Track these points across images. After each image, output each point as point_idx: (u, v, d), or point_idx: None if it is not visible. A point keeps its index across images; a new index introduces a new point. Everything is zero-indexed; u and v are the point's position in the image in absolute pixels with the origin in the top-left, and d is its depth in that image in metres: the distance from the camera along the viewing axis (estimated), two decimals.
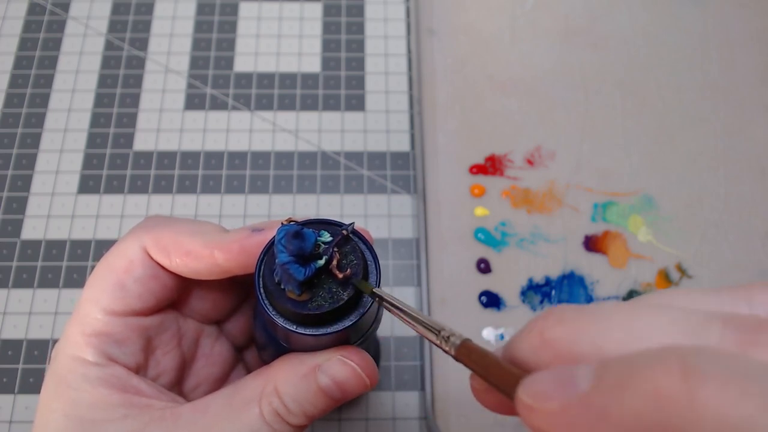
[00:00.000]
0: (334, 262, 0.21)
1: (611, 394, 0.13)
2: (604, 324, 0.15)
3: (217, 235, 0.24)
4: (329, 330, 0.21)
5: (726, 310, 0.16)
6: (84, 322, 0.24)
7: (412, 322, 0.20)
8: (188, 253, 0.24)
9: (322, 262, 0.21)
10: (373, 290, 0.21)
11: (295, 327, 0.21)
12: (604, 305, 0.16)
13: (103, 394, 0.23)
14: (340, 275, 0.21)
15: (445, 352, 0.18)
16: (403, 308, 0.20)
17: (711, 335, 0.14)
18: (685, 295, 0.16)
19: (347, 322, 0.22)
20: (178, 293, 0.26)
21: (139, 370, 0.25)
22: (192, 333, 0.27)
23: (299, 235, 0.21)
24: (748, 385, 0.11)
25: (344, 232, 0.22)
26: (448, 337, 0.18)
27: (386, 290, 0.40)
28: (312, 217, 0.23)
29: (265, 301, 0.22)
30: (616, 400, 0.13)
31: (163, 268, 0.25)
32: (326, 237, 0.22)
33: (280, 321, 0.21)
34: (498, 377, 0.16)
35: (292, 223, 0.21)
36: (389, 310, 0.20)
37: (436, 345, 0.19)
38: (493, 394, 0.18)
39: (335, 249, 0.22)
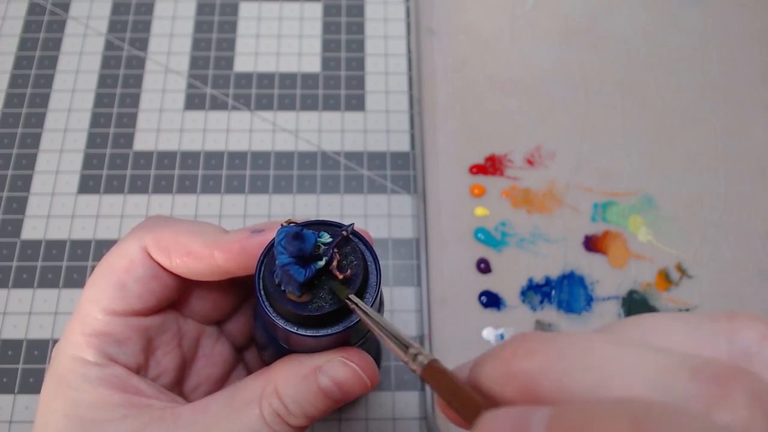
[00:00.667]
0: (334, 263, 0.21)
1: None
2: (572, 362, 0.14)
3: (218, 235, 0.24)
4: (329, 331, 0.21)
5: (704, 347, 0.15)
6: (84, 321, 0.24)
7: (382, 334, 0.19)
8: (188, 253, 0.24)
9: (322, 263, 0.21)
10: (348, 296, 0.21)
11: (295, 328, 0.21)
12: (576, 338, 0.15)
13: (103, 394, 0.23)
14: (341, 276, 0.21)
15: (412, 370, 0.18)
16: (375, 319, 0.20)
17: (678, 386, 0.13)
18: (665, 326, 0.16)
19: (347, 323, 0.22)
20: (178, 293, 0.26)
21: (140, 370, 0.25)
22: (192, 333, 0.27)
23: (299, 236, 0.21)
24: None
25: (344, 233, 0.22)
26: (416, 356, 0.18)
27: (386, 291, 0.40)
28: (312, 219, 0.23)
29: (266, 303, 0.22)
30: None
31: (163, 268, 0.25)
32: (326, 238, 0.22)
33: (280, 322, 0.21)
34: (461, 402, 0.16)
35: (291, 224, 0.21)
36: (362, 320, 0.20)
37: (403, 362, 0.18)
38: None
39: (335, 250, 0.22)
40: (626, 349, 0.14)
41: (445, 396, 0.17)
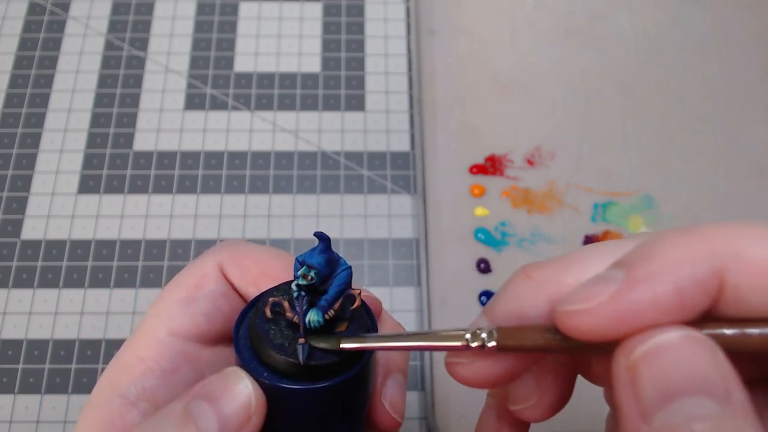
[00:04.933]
0: (332, 312, 0.20)
1: (646, 267, 0.15)
2: (582, 258, 0.18)
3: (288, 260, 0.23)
4: (337, 380, 0.20)
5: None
6: (139, 343, 0.23)
7: (425, 343, 0.19)
8: (266, 274, 0.23)
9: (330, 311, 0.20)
10: (341, 341, 0.19)
11: (300, 384, 0.20)
12: (560, 255, 0.19)
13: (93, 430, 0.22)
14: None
15: (476, 350, 0.17)
16: (404, 336, 0.19)
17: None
18: (614, 240, 0.19)
19: (359, 365, 0.20)
20: None
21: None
22: None
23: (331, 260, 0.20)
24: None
25: (356, 297, 0.21)
26: (475, 333, 0.17)
27: (386, 291, 0.40)
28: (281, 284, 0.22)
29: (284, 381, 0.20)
30: (651, 267, 0.15)
31: (235, 289, 0.24)
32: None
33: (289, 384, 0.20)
34: (545, 335, 0.17)
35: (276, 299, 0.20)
36: (383, 348, 0.20)
37: (460, 350, 0.18)
38: (476, 363, 0.18)
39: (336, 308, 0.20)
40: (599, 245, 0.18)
41: (533, 344, 0.17)
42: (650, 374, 0.14)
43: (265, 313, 0.20)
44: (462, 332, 0.18)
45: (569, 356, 0.19)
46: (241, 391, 0.19)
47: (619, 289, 0.15)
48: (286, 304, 0.20)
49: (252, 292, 0.23)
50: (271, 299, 0.20)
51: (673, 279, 0.15)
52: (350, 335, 0.20)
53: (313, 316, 0.20)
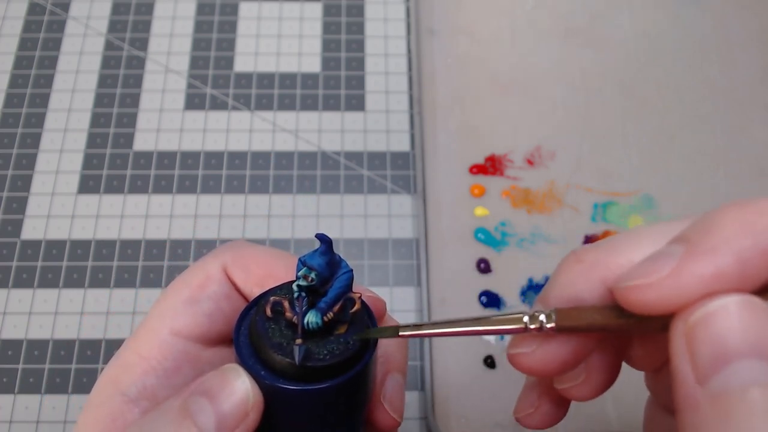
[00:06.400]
0: (333, 313, 0.20)
1: (707, 239, 0.15)
2: (633, 238, 0.18)
3: (290, 259, 0.23)
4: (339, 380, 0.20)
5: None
6: (142, 342, 0.23)
7: (482, 328, 0.18)
8: (270, 275, 0.23)
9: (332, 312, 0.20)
10: (400, 329, 0.19)
11: (303, 385, 0.20)
12: (610, 238, 0.19)
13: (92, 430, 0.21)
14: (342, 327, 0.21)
15: (534, 331, 0.17)
16: (452, 323, 0.19)
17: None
18: (661, 222, 0.19)
19: (357, 366, 0.20)
20: None
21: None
22: None
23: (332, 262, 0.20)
24: None
25: (356, 300, 0.21)
26: (533, 316, 0.17)
27: (386, 291, 0.40)
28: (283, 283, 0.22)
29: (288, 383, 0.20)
30: (712, 239, 0.15)
31: (238, 291, 0.24)
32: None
33: (314, 386, 0.20)
34: (602, 314, 0.17)
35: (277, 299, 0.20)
36: (441, 335, 0.19)
37: (518, 332, 0.18)
38: (538, 352, 0.18)
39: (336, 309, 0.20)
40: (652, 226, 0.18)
41: (592, 323, 0.17)
42: (706, 336, 0.14)
43: (265, 312, 0.20)
44: (519, 315, 0.18)
45: (624, 336, 0.19)
46: (239, 387, 0.19)
47: (679, 262, 0.15)
48: (286, 303, 0.20)
49: (256, 293, 0.23)
50: (272, 298, 0.20)
51: (734, 250, 0.15)
52: (404, 324, 0.20)
53: (311, 318, 0.20)
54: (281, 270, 0.23)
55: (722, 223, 0.15)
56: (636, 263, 0.17)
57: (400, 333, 0.19)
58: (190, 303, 0.23)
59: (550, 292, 0.19)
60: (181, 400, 0.19)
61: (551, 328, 0.17)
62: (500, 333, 0.18)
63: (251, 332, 0.20)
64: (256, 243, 0.26)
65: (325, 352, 0.20)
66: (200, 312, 0.23)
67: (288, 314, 0.20)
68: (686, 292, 0.15)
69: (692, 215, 0.17)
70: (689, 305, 0.15)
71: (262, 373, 0.20)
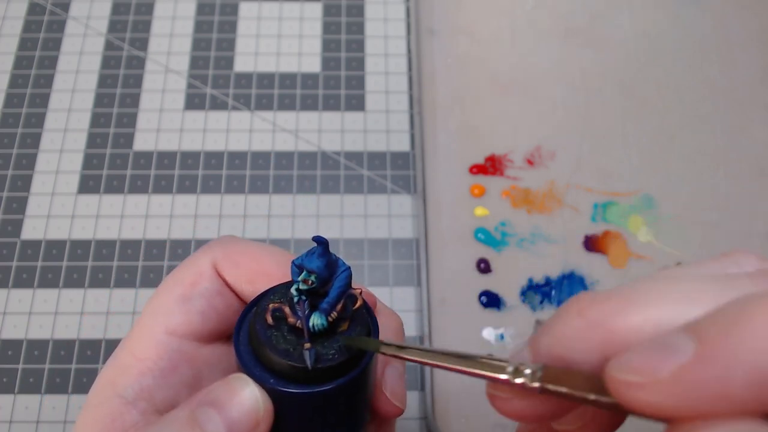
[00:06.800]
0: (334, 314, 0.20)
1: (723, 346, 0.12)
2: (646, 296, 0.15)
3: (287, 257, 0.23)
4: (340, 381, 0.20)
5: (728, 272, 0.16)
6: (138, 341, 0.22)
7: (465, 369, 0.17)
8: (260, 271, 0.23)
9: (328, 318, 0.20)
10: (381, 346, 0.19)
11: (302, 388, 0.20)
12: (623, 287, 0.15)
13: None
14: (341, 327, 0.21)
15: (518, 387, 0.16)
16: (439, 354, 0.17)
17: (746, 288, 0.14)
18: (685, 270, 0.17)
19: (355, 370, 0.20)
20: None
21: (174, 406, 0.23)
22: None
23: (330, 264, 0.20)
24: None
25: (357, 298, 0.21)
26: (518, 369, 0.16)
27: (386, 291, 0.40)
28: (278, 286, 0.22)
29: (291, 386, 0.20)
30: (730, 348, 0.12)
31: (229, 288, 0.24)
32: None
33: (321, 388, 0.20)
34: (594, 385, 0.14)
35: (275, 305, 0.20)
36: (419, 363, 0.18)
37: (501, 383, 0.16)
38: (516, 401, 0.16)
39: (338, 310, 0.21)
40: (678, 279, 0.15)
41: (579, 393, 0.15)
42: None
43: (266, 320, 0.20)
44: (505, 364, 0.16)
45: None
46: (248, 396, 0.19)
47: (686, 365, 0.13)
48: (287, 309, 0.20)
49: (247, 289, 0.23)
50: (270, 305, 0.20)
51: (753, 366, 0.12)
52: (387, 342, 0.19)
53: (316, 320, 0.20)
54: (272, 265, 0.23)
55: (749, 326, 0.13)
56: (637, 339, 0.14)
57: (382, 350, 0.19)
58: (182, 301, 0.23)
59: (541, 341, 0.17)
60: (188, 410, 0.19)
61: (535, 387, 0.15)
62: (483, 378, 0.17)
63: (253, 341, 0.20)
64: (246, 238, 0.26)
65: (333, 351, 0.20)
66: (193, 310, 0.23)
67: (291, 319, 0.20)
68: (686, 405, 0.13)
69: (730, 253, 0.16)
70: (691, 420, 0.13)
71: (271, 380, 0.20)
